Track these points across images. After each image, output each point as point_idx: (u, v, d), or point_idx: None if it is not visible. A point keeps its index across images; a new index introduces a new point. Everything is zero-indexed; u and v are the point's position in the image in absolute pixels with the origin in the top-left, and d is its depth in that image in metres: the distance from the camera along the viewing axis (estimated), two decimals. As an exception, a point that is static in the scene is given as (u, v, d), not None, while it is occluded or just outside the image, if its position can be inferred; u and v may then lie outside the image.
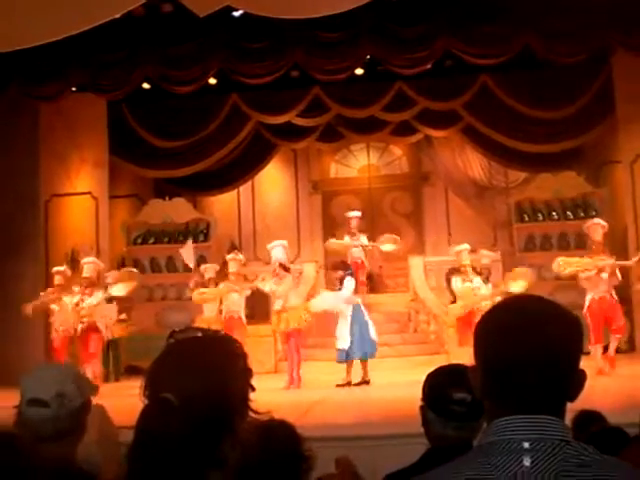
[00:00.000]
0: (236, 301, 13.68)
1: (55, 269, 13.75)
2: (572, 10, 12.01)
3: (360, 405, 11.22)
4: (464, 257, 13.52)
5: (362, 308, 13.01)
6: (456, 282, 13.50)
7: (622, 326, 12.54)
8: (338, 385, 12.55)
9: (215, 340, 1.87)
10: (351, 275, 13.09)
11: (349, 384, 12.58)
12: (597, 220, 13.07)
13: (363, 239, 15.58)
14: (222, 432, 1.79)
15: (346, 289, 12.83)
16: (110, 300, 14.59)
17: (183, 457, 1.72)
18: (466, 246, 13.73)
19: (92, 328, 13.17)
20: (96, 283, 13.55)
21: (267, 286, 13.42)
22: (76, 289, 13.46)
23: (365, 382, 12.68)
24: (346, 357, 12.72)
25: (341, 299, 12.78)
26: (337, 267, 13.41)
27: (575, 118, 15.45)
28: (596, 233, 12.67)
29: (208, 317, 13.60)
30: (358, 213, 15.09)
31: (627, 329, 14.54)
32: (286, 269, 13.31)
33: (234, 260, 14.06)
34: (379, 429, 8.66)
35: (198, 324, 13.27)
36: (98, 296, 13.32)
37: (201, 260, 15.73)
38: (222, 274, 14.45)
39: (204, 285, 13.93)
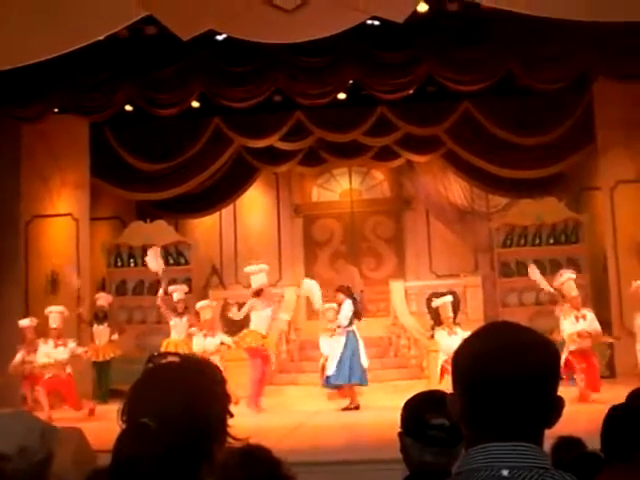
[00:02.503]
0: (208, 349, 13.38)
1: (21, 324, 13.53)
2: (554, 37, 12.12)
3: (340, 430, 11.20)
4: (447, 310, 13.44)
5: (356, 335, 13.06)
6: (441, 336, 13.32)
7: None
8: (343, 409, 12.65)
9: (194, 365, 1.85)
10: (353, 301, 13.14)
11: (357, 408, 12.68)
12: (567, 275, 13.06)
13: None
14: (200, 458, 1.77)
15: (342, 315, 12.90)
16: (102, 322, 14.57)
17: None
18: (449, 298, 13.69)
19: (68, 379, 13.11)
20: (63, 334, 13.38)
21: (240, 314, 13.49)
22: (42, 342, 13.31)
23: (356, 407, 12.71)
24: (333, 382, 12.82)
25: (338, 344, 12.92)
26: (341, 290, 13.37)
27: (556, 145, 15.56)
28: (571, 289, 12.74)
29: (175, 340, 13.53)
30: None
31: (607, 354, 14.62)
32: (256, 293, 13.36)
33: (204, 308, 13.88)
34: (359, 454, 8.64)
35: (164, 346, 13.28)
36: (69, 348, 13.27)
37: (185, 282, 15.73)
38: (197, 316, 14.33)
39: (174, 308, 13.88)
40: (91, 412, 12.80)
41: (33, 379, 13.09)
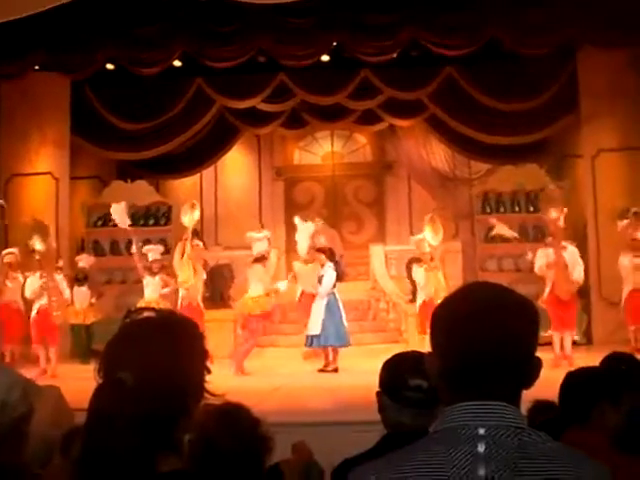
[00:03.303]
0: (193, 287, 13.56)
1: (5, 251, 13.61)
2: (540, 3, 12.08)
3: (319, 392, 11.25)
4: (424, 246, 13.56)
5: (337, 297, 13.06)
6: (417, 270, 13.54)
7: (573, 321, 12.62)
8: (320, 370, 12.74)
9: (171, 321, 1.84)
10: (335, 264, 13.10)
11: (335, 370, 12.76)
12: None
13: None
14: (177, 414, 1.77)
15: (325, 284, 12.91)
16: (82, 283, 14.51)
17: (136, 439, 1.69)
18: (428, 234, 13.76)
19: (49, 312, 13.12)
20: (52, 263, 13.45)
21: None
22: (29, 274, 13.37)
23: (334, 370, 12.76)
24: (318, 343, 12.83)
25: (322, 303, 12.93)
26: (323, 251, 13.35)
27: (539, 111, 15.54)
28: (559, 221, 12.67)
29: (149, 299, 13.51)
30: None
31: (584, 322, 14.71)
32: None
33: (195, 247, 13.96)
34: (338, 415, 8.70)
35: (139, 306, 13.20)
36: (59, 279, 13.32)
37: (162, 243, 15.64)
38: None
39: (149, 267, 13.83)
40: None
41: (17, 318, 13.16)
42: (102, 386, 1.74)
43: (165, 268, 14.13)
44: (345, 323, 13.02)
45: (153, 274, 13.81)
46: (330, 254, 13.27)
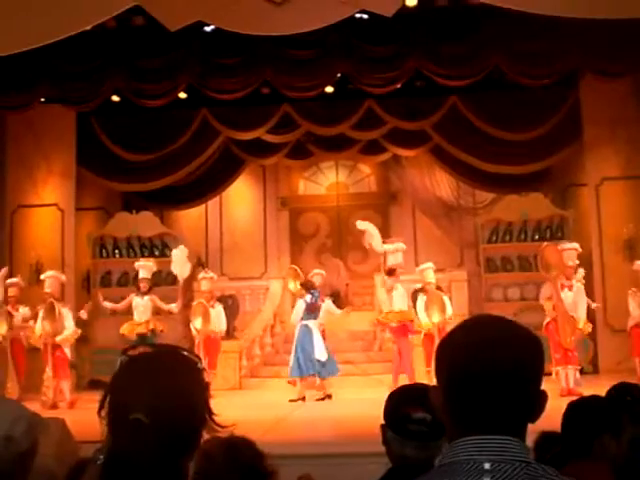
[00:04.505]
0: (213, 319, 13.58)
1: (9, 281, 13.55)
2: (542, 33, 12.13)
3: (324, 423, 11.20)
4: (429, 276, 13.54)
5: (310, 328, 13.15)
6: (421, 301, 13.50)
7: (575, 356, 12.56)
8: (291, 400, 12.83)
9: (172, 355, 1.85)
10: (312, 296, 13.20)
11: (303, 399, 12.89)
12: (574, 244, 13.06)
13: None
14: (189, 447, 1.78)
15: (293, 315, 13.45)
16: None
17: (154, 475, 1.71)
18: (430, 265, 13.74)
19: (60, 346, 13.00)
20: (59, 298, 13.32)
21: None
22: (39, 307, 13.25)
23: (328, 396, 12.87)
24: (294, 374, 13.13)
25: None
26: (302, 285, 13.58)
27: (543, 140, 15.58)
28: (569, 258, 12.64)
29: (139, 321, 13.35)
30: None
31: (590, 350, 14.65)
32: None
33: (205, 279, 14.00)
34: (343, 447, 8.65)
35: (126, 326, 13.15)
36: (69, 317, 13.18)
37: (170, 275, 15.62)
38: (190, 291, 14.38)
39: (137, 287, 13.74)
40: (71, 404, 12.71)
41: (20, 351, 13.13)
42: (120, 427, 1.74)
43: (153, 288, 13.98)
44: (319, 354, 13.09)
45: (142, 294, 13.58)
46: (307, 286, 13.56)
